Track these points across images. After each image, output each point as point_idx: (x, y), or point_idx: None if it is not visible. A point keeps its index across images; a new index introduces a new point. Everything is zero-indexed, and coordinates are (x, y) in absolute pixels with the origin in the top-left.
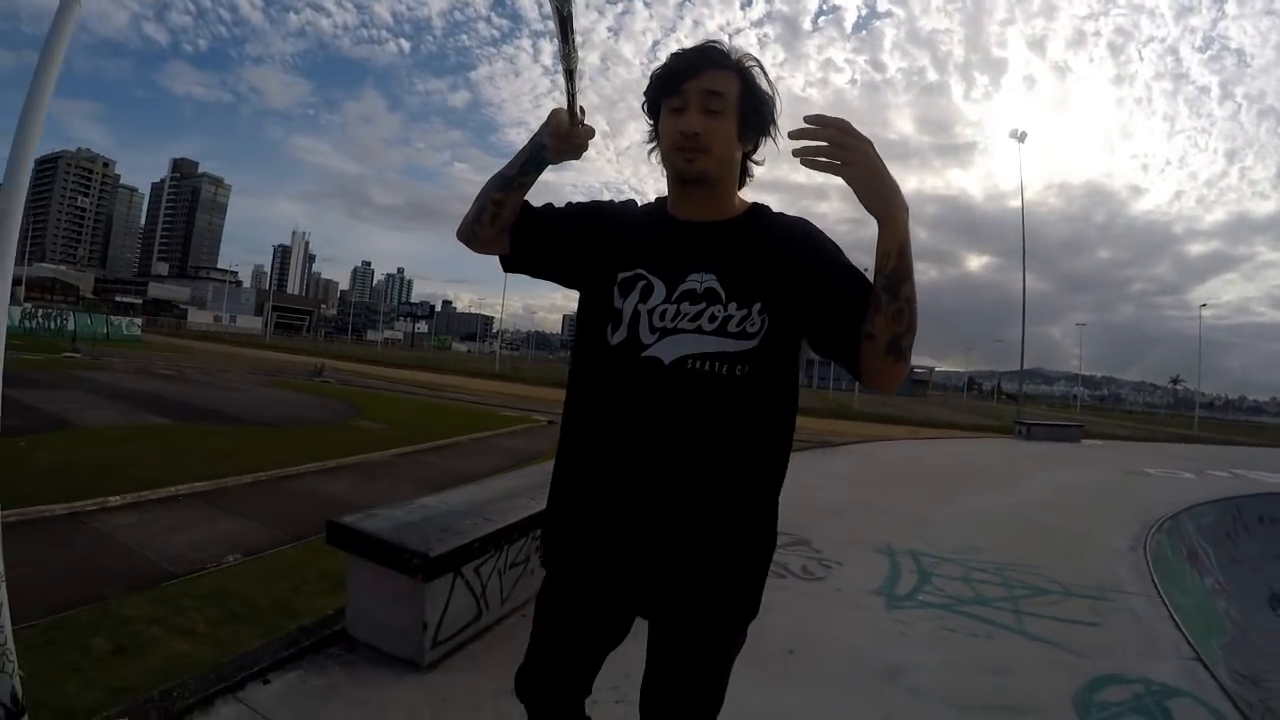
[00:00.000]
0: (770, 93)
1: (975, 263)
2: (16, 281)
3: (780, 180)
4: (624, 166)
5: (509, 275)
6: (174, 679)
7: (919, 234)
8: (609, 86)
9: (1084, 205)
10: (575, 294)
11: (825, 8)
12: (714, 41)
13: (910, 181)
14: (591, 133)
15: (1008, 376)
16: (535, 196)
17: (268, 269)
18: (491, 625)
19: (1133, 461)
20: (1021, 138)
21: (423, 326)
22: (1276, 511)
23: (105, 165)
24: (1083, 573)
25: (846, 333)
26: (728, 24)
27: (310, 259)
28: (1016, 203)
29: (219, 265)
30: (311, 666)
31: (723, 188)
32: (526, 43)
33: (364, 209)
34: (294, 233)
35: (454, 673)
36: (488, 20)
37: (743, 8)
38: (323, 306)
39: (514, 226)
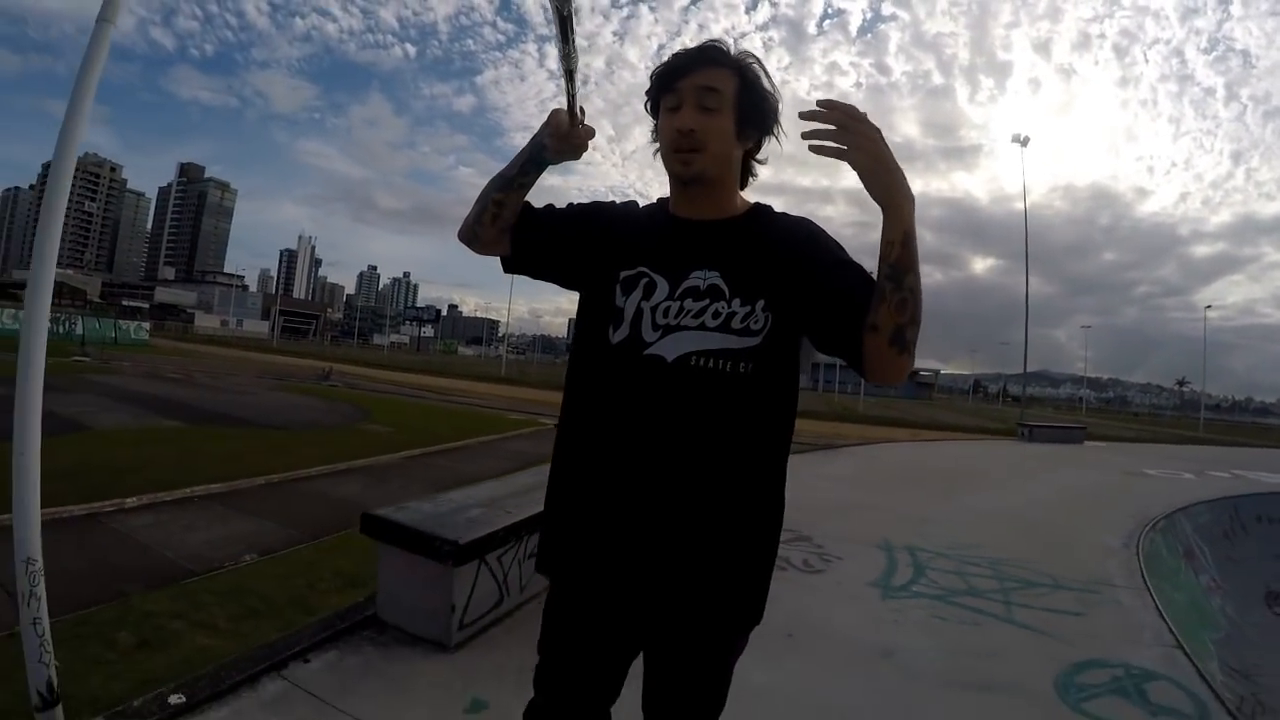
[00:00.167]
0: (772, 91)
1: (980, 265)
2: (24, 286)
3: (786, 184)
4: (629, 170)
5: (514, 279)
6: (221, 660)
7: (924, 237)
8: (614, 91)
9: (1089, 208)
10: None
11: (830, 11)
12: (716, 41)
13: (915, 184)
14: (591, 133)
15: (1013, 379)
16: (540, 200)
17: (274, 273)
18: (512, 610)
19: (1134, 463)
20: (1024, 142)
21: (429, 330)
22: (1275, 511)
23: (112, 169)
24: (1074, 568)
25: (850, 327)
26: (733, 28)
27: (316, 263)
28: (1021, 205)
29: (225, 269)
30: (347, 647)
31: (722, 186)
32: (532, 47)
33: (369, 213)
34: (300, 237)
35: (478, 652)
36: (493, 25)
37: (748, 11)
38: (329, 310)
39: (515, 227)
